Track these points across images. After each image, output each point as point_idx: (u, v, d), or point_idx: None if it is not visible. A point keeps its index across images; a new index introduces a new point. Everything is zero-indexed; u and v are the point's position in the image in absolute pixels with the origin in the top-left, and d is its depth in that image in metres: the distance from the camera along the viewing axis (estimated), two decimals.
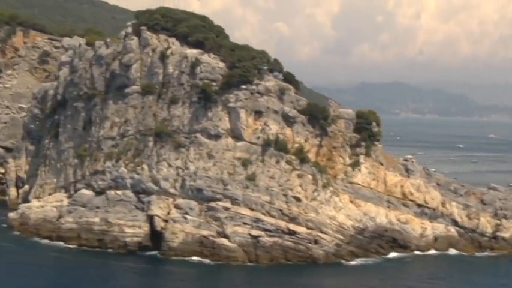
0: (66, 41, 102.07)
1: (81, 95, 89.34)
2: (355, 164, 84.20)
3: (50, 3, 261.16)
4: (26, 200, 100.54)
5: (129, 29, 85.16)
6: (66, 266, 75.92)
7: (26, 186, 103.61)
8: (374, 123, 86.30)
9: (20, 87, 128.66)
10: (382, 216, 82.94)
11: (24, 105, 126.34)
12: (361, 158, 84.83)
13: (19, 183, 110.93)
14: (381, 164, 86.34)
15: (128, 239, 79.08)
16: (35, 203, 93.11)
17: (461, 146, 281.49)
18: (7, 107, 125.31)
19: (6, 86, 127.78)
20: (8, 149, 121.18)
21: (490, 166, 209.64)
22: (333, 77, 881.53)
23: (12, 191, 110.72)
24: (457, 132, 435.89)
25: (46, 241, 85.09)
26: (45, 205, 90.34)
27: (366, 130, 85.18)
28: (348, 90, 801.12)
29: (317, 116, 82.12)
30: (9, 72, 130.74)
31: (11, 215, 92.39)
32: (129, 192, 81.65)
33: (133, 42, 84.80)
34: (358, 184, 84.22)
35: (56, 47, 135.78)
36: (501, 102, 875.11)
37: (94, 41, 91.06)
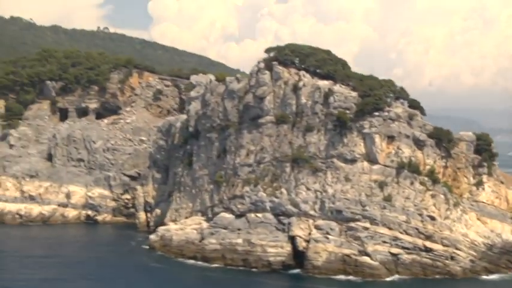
0: (193, 78, 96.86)
1: (215, 127, 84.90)
2: (479, 183, 78.76)
3: (130, 50, 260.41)
4: (158, 223, 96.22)
5: (261, 65, 79.97)
6: (216, 284, 72.60)
7: (158, 210, 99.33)
8: (493, 144, 78.48)
9: (138, 122, 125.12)
10: (507, 232, 76.19)
11: (144, 138, 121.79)
12: (484, 178, 78.95)
13: (147, 207, 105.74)
14: (502, 182, 78.69)
15: (271, 259, 73.89)
16: (172, 225, 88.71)
17: None
18: (129, 139, 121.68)
19: (127, 121, 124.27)
20: (132, 177, 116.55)
21: None
22: None
23: (142, 215, 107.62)
24: None
25: (191, 261, 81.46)
26: (184, 228, 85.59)
27: (486, 151, 77.52)
28: None
29: (442, 139, 74.92)
30: (128, 109, 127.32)
31: (152, 237, 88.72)
32: (269, 215, 76.53)
33: (266, 76, 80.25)
34: (483, 202, 77.60)
35: (167, 86, 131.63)
36: (503, 125, 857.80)
37: (223, 77, 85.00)
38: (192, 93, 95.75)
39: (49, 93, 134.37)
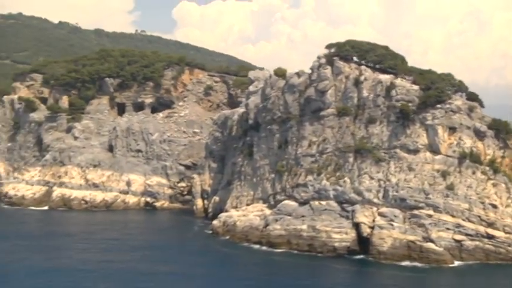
0: (251, 73, 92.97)
1: (275, 119, 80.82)
2: None
3: (166, 50, 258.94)
4: (217, 209, 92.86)
5: (322, 60, 75.54)
6: (284, 266, 68.14)
7: (216, 198, 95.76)
8: None
9: (191, 116, 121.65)
10: None
11: (197, 130, 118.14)
12: None
13: (204, 195, 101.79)
14: None
15: (336, 244, 69.88)
16: (234, 212, 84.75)
17: None
18: (184, 132, 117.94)
19: (181, 115, 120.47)
20: (187, 167, 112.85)
21: None
22: None
23: (199, 202, 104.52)
24: None
25: (256, 246, 76.65)
26: (246, 214, 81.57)
27: None
28: None
29: (501, 130, 70.34)
30: (181, 103, 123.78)
31: (215, 222, 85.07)
32: (332, 202, 72.44)
33: (327, 71, 76.12)
34: None
35: (216, 82, 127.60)
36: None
37: (282, 72, 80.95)
38: (251, 88, 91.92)
39: (108, 89, 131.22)
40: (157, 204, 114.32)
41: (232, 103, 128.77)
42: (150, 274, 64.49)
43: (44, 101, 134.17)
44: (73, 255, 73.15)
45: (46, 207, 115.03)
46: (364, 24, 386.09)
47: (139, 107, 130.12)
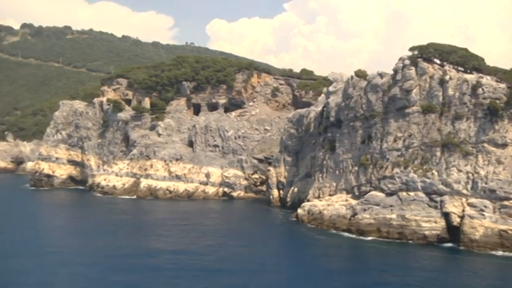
0: (330, 75, 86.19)
1: (358, 116, 73.67)
2: None
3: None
4: (295, 199, 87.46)
5: (406, 61, 68.52)
6: (379, 252, 62.49)
7: (294, 188, 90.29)
8: None
9: (261, 115, 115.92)
10: None
11: (267, 127, 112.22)
12: None
13: (279, 185, 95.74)
14: None
15: (426, 232, 63.22)
16: (317, 202, 78.22)
17: None
18: (256, 129, 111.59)
19: (252, 113, 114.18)
20: (260, 160, 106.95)
21: None
22: None
23: (275, 192, 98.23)
24: None
25: (346, 233, 69.64)
26: (331, 204, 75.23)
27: None
28: None
29: None
30: (251, 104, 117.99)
31: (300, 211, 79.24)
32: (420, 193, 65.84)
33: (412, 71, 69.07)
34: None
35: (281, 84, 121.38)
36: None
37: (362, 74, 74.73)
38: (331, 88, 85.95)
39: (185, 91, 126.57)
40: (234, 194, 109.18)
41: (297, 103, 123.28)
42: (259, 254, 60.82)
43: (128, 102, 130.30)
44: (181, 240, 68.39)
45: (134, 196, 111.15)
46: (369, 37, 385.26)
47: (213, 107, 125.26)
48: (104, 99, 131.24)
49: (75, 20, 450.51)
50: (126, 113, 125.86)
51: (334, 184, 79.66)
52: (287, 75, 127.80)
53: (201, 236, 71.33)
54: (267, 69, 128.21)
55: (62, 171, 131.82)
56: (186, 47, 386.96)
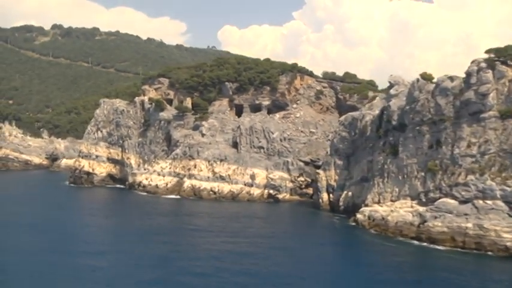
0: (391, 78, 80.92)
1: (425, 121, 68.33)
2: None
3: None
4: (349, 203, 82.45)
5: (482, 64, 63.19)
6: (453, 264, 56.33)
7: (348, 192, 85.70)
8: None
9: (306, 117, 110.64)
10: None
11: (313, 130, 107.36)
12: None
13: (329, 189, 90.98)
14: None
15: (508, 244, 57.12)
16: (378, 207, 73.34)
17: None
18: (301, 131, 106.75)
19: (297, 116, 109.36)
20: (305, 163, 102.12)
21: None
22: None
23: (325, 196, 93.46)
24: None
25: (415, 241, 64.74)
26: (395, 210, 69.98)
27: None
28: None
29: None
30: (294, 106, 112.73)
31: (359, 216, 74.18)
32: (499, 202, 61.09)
33: (488, 74, 63.72)
34: None
35: (324, 87, 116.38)
36: None
37: (429, 77, 69.78)
38: (392, 91, 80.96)
39: (227, 92, 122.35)
40: (280, 196, 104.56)
41: (341, 106, 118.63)
42: (328, 260, 57.22)
43: (169, 101, 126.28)
44: (245, 242, 64.48)
45: (177, 196, 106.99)
46: (374, 45, 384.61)
47: (255, 108, 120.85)
48: (146, 98, 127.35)
49: (94, 25, 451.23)
50: (168, 113, 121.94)
51: (397, 189, 74.76)
52: (329, 78, 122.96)
53: (262, 239, 67.13)
54: (309, 72, 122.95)
55: (102, 169, 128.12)
56: (208, 50, 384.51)
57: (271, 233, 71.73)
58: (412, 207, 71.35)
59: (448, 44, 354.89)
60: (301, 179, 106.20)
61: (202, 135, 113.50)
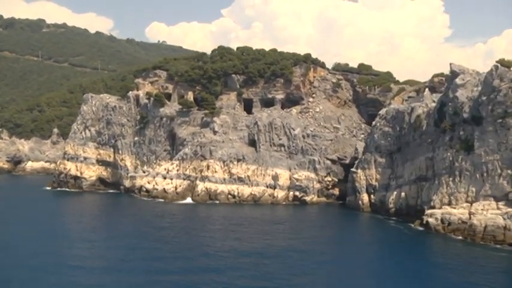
0: (454, 67, 73.31)
1: (510, 112, 61.04)
2: None
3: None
4: (402, 205, 74.25)
5: None
6: None
7: (401, 193, 77.52)
8: None
9: (326, 112, 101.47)
10: None
11: (337, 125, 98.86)
12: None
13: (369, 190, 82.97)
14: None
15: None
16: (449, 209, 66.28)
17: None
18: (325, 127, 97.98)
19: (316, 110, 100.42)
20: (333, 161, 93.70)
21: None
22: None
23: (365, 197, 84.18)
24: None
25: None
26: (476, 212, 62.82)
27: None
28: None
29: None
30: (310, 100, 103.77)
31: (431, 220, 66.03)
32: None
33: None
34: None
35: (339, 79, 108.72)
36: None
37: (509, 64, 62.80)
38: (458, 81, 73.29)
39: (234, 85, 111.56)
40: (307, 198, 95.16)
41: (359, 99, 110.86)
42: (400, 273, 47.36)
43: (167, 96, 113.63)
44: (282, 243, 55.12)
45: (190, 201, 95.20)
46: (302, 44, 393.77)
47: (266, 102, 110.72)
48: (141, 92, 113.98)
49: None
50: (170, 108, 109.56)
51: (474, 189, 67.43)
52: (343, 69, 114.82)
53: (319, 249, 58.16)
54: (321, 63, 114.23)
55: (91, 173, 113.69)
56: (160, 45, 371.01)
57: (334, 242, 62.42)
58: (498, 209, 64.09)
59: (373, 42, 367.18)
60: (328, 178, 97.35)
61: (215, 132, 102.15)
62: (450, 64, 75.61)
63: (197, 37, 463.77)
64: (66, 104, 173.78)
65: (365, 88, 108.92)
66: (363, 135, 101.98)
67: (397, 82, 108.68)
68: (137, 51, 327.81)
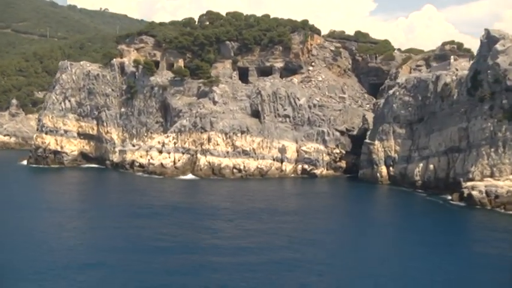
0: (493, 32, 69.24)
1: None
2: None
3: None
4: (431, 177, 70.71)
5: None
6: None
7: (429, 165, 73.83)
8: None
9: (329, 81, 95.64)
10: None
11: (342, 95, 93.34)
12: None
13: (388, 162, 78.67)
14: None
15: None
16: (494, 181, 63.42)
17: None
18: (330, 97, 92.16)
19: (319, 79, 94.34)
20: (341, 132, 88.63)
21: None
22: None
23: (383, 169, 79.80)
24: None
25: None
26: None
27: None
28: None
29: None
30: (311, 68, 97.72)
31: (474, 193, 61.34)
32: None
33: None
34: None
35: (336, 47, 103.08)
36: None
37: None
38: (498, 47, 68.89)
39: (228, 53, 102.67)
40: (317, 171, 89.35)
41: (359, 68, 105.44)
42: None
43: (155, 64, 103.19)
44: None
45: (192, 176, 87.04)
46: None
47: (263, 71, 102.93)
48: (126, 60, 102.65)
49: None
50: (162, 77, 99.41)
51: None
52: (340, 37, 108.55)
53: (359, 229, 52.91)
54: (318, 30, 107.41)
55: (73, 147, 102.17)
56: (103, 12, 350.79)
57: (373, 223, 56.94)
58: None
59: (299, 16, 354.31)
60: (337, 151, 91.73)
61: (215, 103, 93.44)
62: (486, 30, 70.92)
63: (121, 7, 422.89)
64: (23, 73, 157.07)
65: (365, 57, 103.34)
66: (368, 105, 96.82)
67: (398, 50, 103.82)
68: (83, 18, 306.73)
